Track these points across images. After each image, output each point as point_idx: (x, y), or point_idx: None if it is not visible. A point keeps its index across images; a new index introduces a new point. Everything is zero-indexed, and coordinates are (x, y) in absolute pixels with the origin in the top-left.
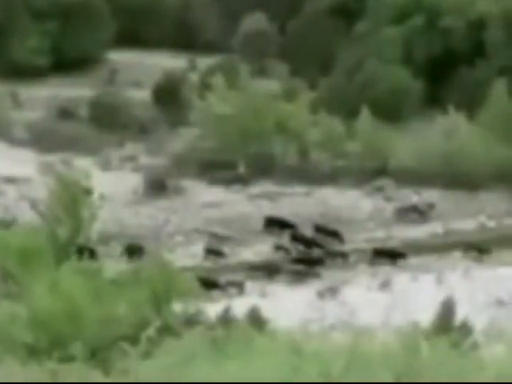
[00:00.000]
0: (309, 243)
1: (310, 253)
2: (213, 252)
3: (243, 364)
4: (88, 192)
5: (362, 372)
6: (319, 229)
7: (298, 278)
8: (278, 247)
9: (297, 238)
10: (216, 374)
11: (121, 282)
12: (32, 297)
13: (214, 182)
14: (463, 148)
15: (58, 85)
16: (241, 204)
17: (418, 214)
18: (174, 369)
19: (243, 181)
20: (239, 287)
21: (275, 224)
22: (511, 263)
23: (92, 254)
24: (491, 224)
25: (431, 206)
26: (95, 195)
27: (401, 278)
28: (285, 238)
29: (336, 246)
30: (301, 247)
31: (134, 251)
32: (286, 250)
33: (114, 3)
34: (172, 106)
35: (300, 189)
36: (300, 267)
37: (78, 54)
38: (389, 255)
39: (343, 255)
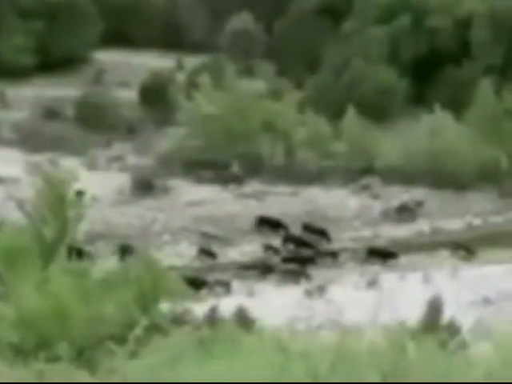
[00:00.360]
0: (302, 244)
1: (300, 252)
2: (205, 252)
3: (230, 364)
4: (79, 193)
5: (348, 371)
6: (307, 228)
7: (288, 277)
8: (268, 247)
9: (289, 238)
10: (203, 374)
11: (108, 281)
12: (18, 297)
13: (201, 181)
14: (449, 147)
15: (44, 84)
16: (228, 203)
17: (407, 212)
18: (161, 368)
19: (237, 181)
20: (227, 286)
21: (267, 224)
22: (498, 262)
23: (80, 254)
24: (478, 223)
25: (420, 203)
26: (85, 196)
27: (388, 277)
28: (273, 238)
29: (325, 245)
30: (291, 247)
31: (126, 251)
32: (276, 250)
33: (101, 3)
34: (159, 105)
35: (287, 188)
36: (291, 266)
37: (65, 54)
38: (382, 255)
39: (334, 254)
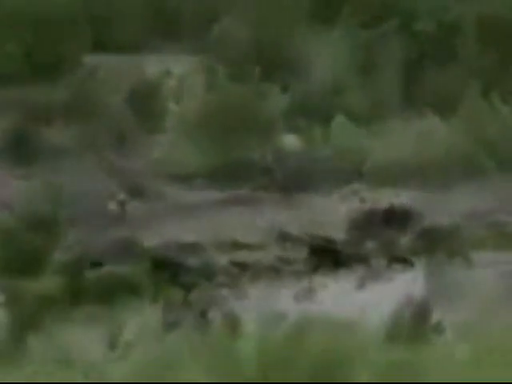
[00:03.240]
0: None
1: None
2: (238, 265)
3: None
4: (121, 203)
5: (338, 371)
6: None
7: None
8: (278, 257)
9: (315, 249)
10: (190, 377)
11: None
12: None
13: (192, 187)
14: (438, 150)
15: (33, 90)
16: (218, 209)
17: (396, 215)
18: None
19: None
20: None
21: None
22: (486, 262)
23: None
24: (465, 224)
25: (407, 209)
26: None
27: (377, 279)
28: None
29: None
30: (315, 258)
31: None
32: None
33: (90, 7)
34: (149, 110)
35: (275, 193)
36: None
37: (54, 59)
38: (404, 262)
39: (362, 259)
